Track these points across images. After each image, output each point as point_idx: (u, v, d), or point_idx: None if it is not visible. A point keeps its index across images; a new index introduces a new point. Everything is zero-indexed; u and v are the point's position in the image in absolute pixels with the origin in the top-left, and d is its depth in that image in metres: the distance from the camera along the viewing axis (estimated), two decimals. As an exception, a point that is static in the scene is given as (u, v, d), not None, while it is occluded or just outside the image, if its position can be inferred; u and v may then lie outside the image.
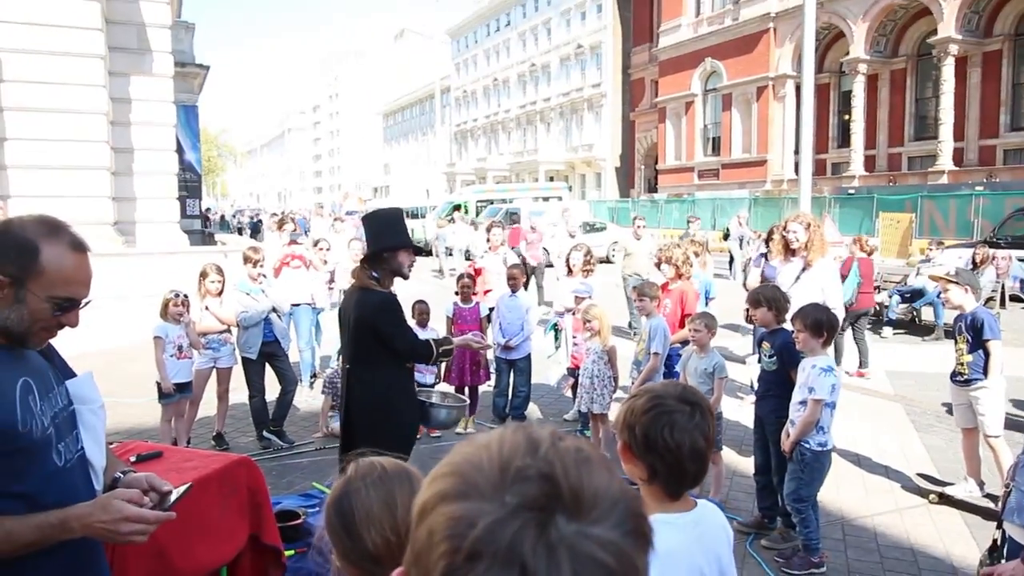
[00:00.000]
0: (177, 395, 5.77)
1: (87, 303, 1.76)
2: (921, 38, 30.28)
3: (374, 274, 3.84)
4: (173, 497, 1.85)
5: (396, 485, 1.35)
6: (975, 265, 11.37)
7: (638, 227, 12.30)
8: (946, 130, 27.72)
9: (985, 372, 4.77)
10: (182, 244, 13.52)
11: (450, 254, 20.96)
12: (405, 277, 3.98)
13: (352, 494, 1.34)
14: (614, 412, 5.98)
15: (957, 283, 4.90)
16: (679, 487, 1.61)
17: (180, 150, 16.19)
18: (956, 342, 5.01)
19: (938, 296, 10.25)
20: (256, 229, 34.94)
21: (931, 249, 12.63)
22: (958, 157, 28.34)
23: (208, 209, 45.32)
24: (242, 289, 6.22)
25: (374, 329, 3.79)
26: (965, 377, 4.89)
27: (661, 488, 1.60)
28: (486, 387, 7.10)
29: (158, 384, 5.71)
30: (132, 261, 11.24)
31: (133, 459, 2.88)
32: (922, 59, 30.83)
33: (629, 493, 0.62)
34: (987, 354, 4.77)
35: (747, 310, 5.01)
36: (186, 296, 5.89)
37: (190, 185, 19.56)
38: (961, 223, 20.64)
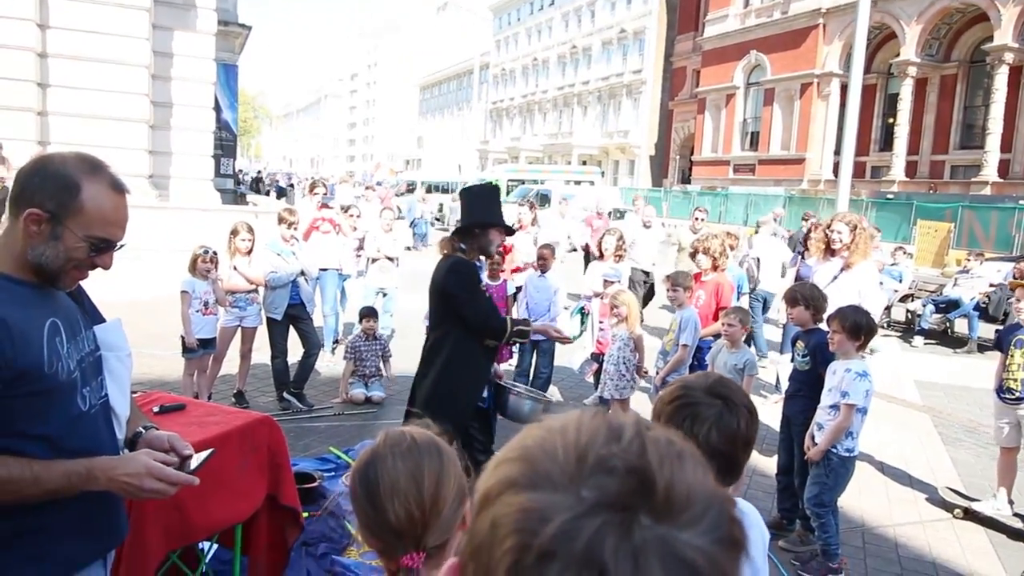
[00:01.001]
0: (200, 350, 5.80)
1: (122, 246, 1.73)
2: (976, 44, 29.44)
3: (461, 246, 3.87)
4: (195, 463, 1.82)
5: (425, 458, 1.29)
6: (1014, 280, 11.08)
7: (696, 219, 10.46)
8: (993, 140, 27.01)
9: None
10: (215, 202, 13.60)
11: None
12: (490, 256, 3.99)
13: (379, 463, 1.29)
14: (635, 401, 5.91)
15: None
16: None
17: (218, 109, 16.25)
18: (1010, 356, 4.79)
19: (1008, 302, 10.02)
20: (281, 192, 35.19)
21: (969, 260, 12.33)
22: (1003, 169, 27.62)
23: (240, 171, 45.72)
24: (273, 249, 6.22)
25: (443, 292, 3.80)
26: (1017, 394, 4.72)
27: None
28: (506, 366, 7.06)
29: (182, 338, 5.75)
30: (165, 215, 11.34)
31: (156, 410, 2.87)
32: (975, 66, 30.00)
33: (723, 494, 0.55)
34: None
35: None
36: (215, 253, 5.89)
37: (225, 144, 19.70)
38: (1002, 236, 20.17)
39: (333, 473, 4.67)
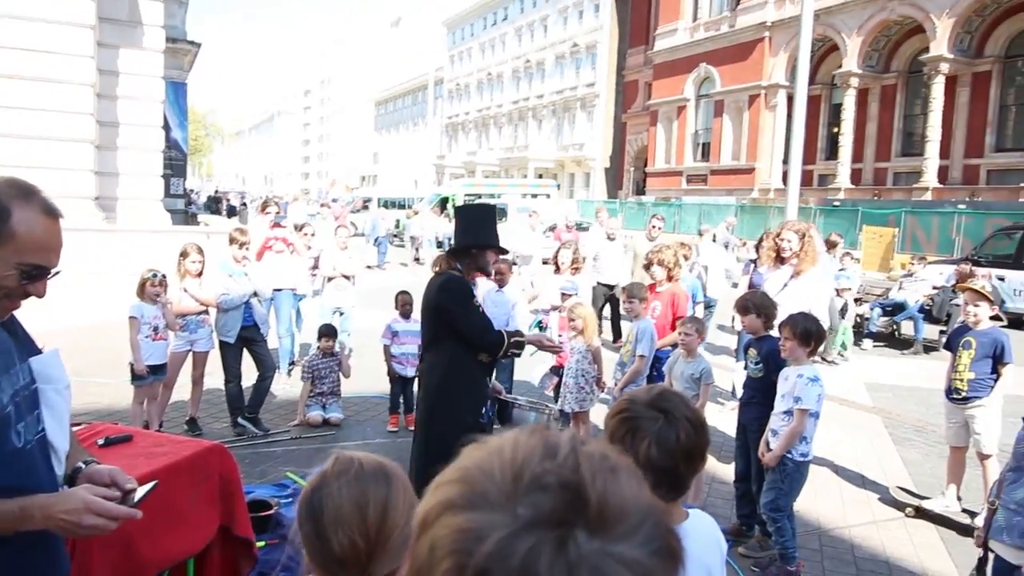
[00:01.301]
0: (150, 377, 5.66)
1: (56, 273, 1.67)
2: (913, 55, 30.51)
3: (457, 266, 3.88)
4: (138, 496, 1.76)
5: (371, 485, 1.26)
6: (957, 283, 11.45)
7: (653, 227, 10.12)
8: (932, 147, 27.98)
9: (988, 391, 4.76)
10: (164, 223, 13.32)
11: (418, 247, 22.12)
12: (488, 274, 4.00)
13: (324, 490, 1.26)
14: (596, 413, 5.94)
15: (991, 300, 4.85)
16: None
17: (167, 127, 15.95)
18: (957, 358, 4.93)
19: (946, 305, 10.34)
20: (232, 211, 34.66)
21: (913, 264, 12.71)
22: (943, 175, 28.61)
23: (191, 191, 44.91)
24: (224, 270, 6.11)
25: (438, 309, 3.79)
26: (964, 395, 4.86)
27: None
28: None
29: (131, 365, 5.60)
30: (112, 237, 11.07)
31: (101, 442, 2.79)
32: (913, 76, 31.08)
33: (659, 507, 0.55)
34: (998, 376, 4.75)
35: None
36: (164, 276, 5.77)
37: (175, 164, 19.33)
38: (943, 240, 20.86)
39: (290, 499, 4.58)
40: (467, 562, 0.49)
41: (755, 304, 4.60)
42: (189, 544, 2.67)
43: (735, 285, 10.15)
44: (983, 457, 4.85)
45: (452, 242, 4.01)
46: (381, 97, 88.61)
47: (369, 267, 19.49)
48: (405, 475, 1.33)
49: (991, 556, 2.62)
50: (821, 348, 7.43)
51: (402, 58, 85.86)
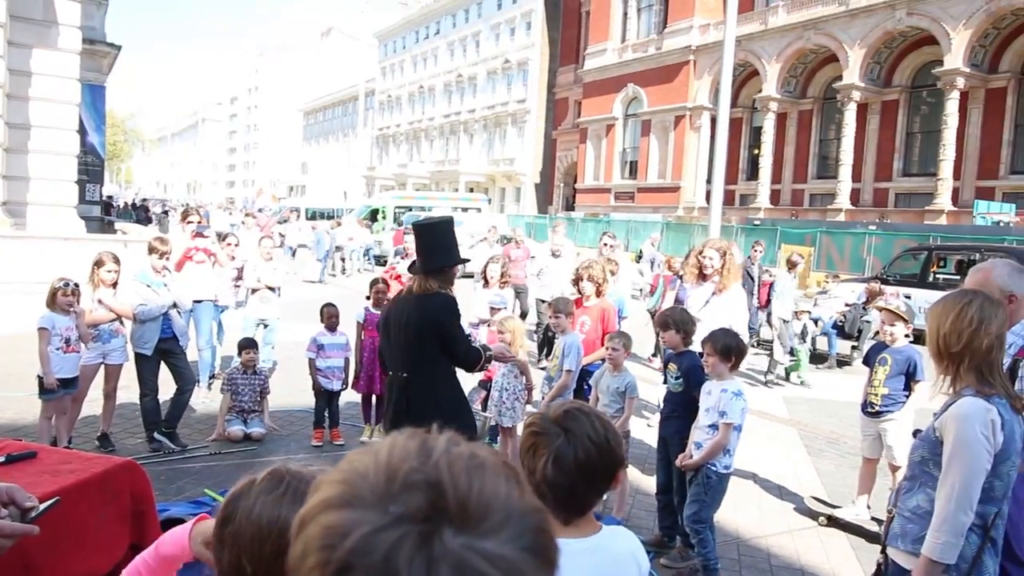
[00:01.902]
0: (60, 391, 5.38)
1: None
2: (828, 83, 32.06)
3: (438, 283, 3.86)
4: (35, 512, 1.67)
5: (288, 509, 1.14)
6: (867, 300, 12.01)
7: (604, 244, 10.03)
8: (845, 171, 29.41)
9: (901, 406, 5.01)
10: (78, 230, 12.74)
11: (343, 258, 22.12)
12: (451, 285, 3.96)
13: (240, 502, 1.19)
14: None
15: (906, 320, 5.14)
16: (555, 513, 1.51)
17: (83, 131, 15.26)
18: (873, 373, 5.17)
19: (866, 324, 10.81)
20: (147, 220, 33.31)
21: (828, 282, 13.28)
22: (855, 197, 30.08)
23: (111, 197, 43.04)
24: (142, 280, 5.88)
25: (439, 330, 3.74)
26: (876, 409, 5.10)
27: (550, 513, 1.54)
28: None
29: (40, 378, 5.32)
30: (21, 245, 10.52)
31: (2, 459, 2.64)
32: (827, 102, 32.66)
33: (531, 506, 0.56)
34: (911, 392, 5.01)
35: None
36: (77, 285, 5.52)
37: (91, 169, 18.50)
38: (855, 259, 21.86)
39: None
40: (331, 557, 0.50)
41: (674, 320, 4.72)
42: (96, 564, 2.55)
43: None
44: (894, 468, 5.09)
45: (419, 259, 3.88)
46: (310, 107, 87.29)
47: (311, 282, 19.09)
48: None
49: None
50: (775, 366, 7.71)
51: (332, 68, 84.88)
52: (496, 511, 0.53)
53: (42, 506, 1.71)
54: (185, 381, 6.07)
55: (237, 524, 1.17)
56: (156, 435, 5.92)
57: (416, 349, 3.78)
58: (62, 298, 5.38)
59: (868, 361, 5.39)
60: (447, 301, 3.79)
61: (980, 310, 2.39)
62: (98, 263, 5.82)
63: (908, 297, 13.07)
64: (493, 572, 0.50)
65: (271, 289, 8.25)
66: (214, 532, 1.22)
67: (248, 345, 6.70)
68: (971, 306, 2.41)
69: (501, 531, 0.52)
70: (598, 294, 6.28)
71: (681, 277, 7.42)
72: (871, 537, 4.89)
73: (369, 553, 0.49)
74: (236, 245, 8.76)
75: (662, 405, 5.22)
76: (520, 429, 5.80)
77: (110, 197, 39.46)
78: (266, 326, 8.24)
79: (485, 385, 6.48)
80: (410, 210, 29.31)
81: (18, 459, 2.66)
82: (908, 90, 30.09)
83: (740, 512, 5.27)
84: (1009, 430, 2.33)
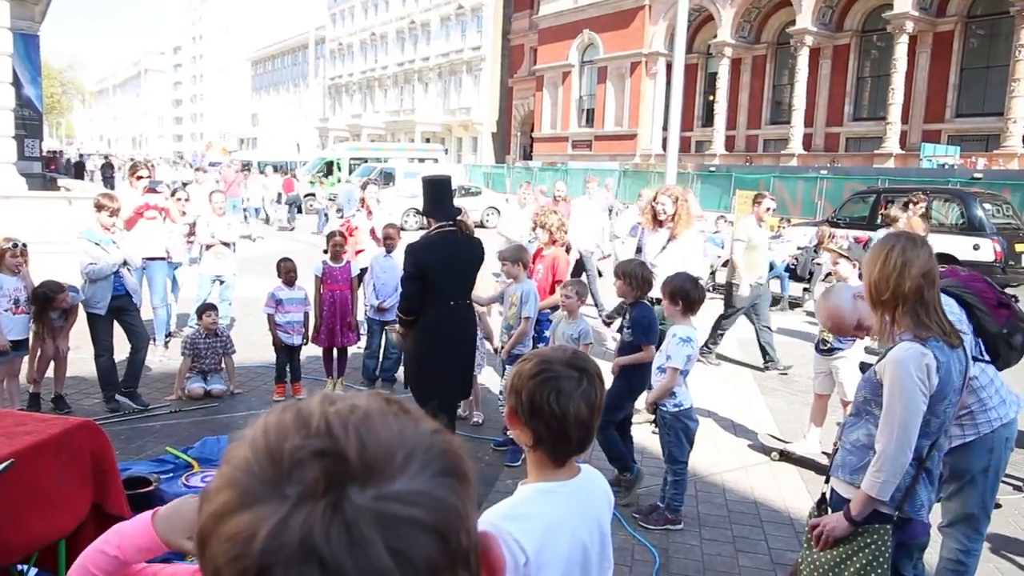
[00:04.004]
0: (11, 353, 5.27)
1: None
2: (781, 27, 32.12)
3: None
4: None
5: None
6: (818, 244, 12.29)
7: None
8: (798, 116, 29.70)
9: (851, 344, 5.21)
10: (19, 188, 12.26)
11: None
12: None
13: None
14: (484, 375, 6.02)
15: (848, 258, 5.39)
16: (564, 454, 1.59)
17: (17, 84, 14.57)
18: None
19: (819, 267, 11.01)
20: (80, 174, 31.72)
21: (781, 227, 13.52)
22: (807, 142, 30.46)
23: (59, 152, 41.40)
24: (90, 238, 5.71)
25: (480, 265, 4.73)
26: (829, 346, 5.31)
27: (546, 454, 1.58)
28: (356, 349, 6.96)
29: (-12, 341, 5.19)
30: (-44, 205, 10.09)
31: (-46, 423, 2.60)
32: (781, 47, 32.75)
33: (427, 433, 0.55)
34: None
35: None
36: (25, 245, 5.37)
37: (29, 124, 17.73)
38: (807, 203, 22.25)
39: (171, 474, 4.42)
40: (245, 566, 0.47)
41: (624, 271, 4.77)
42: (58, 525, 2.54)
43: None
44: (845, 404, 5.30)
45: (448, 207, 4.58)
46: (258, 56, 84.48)
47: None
48: None
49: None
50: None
51: (279, 15, 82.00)
52: (395, 451, 0.51)
53: None
54: (139, 339, 5.97)
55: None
56: (117, 396, 5.84)
57: (472, 280, 4.70)
58: (10, 259, 5.24)
59: None
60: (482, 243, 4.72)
61: (902, 253, 2.43)
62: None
63: (857, 240, 13.41)
64: (414, 510, 0.49)
65: (225, 244, 8.10)
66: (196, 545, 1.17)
67: (208, 308, 6.61)
68: (893, 251, 2.44)
69: (407, 468, 0.51)
70: (552, 242, 6.32)
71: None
72: (821, 470, 5.09)
73: (283, 546, 0.46)
74: (187, 200, 8.55)
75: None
76: (483, 376, 5.88)
77: (54, 152, 37.90)
78: (222, 282, 8.11)
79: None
80: (365, 161, 28.86)
81: (-29, 422, 2.62)
82: (859, 34, 30.32)
83: (696, 450, 5.40)
84: (945, 371, 2.41)
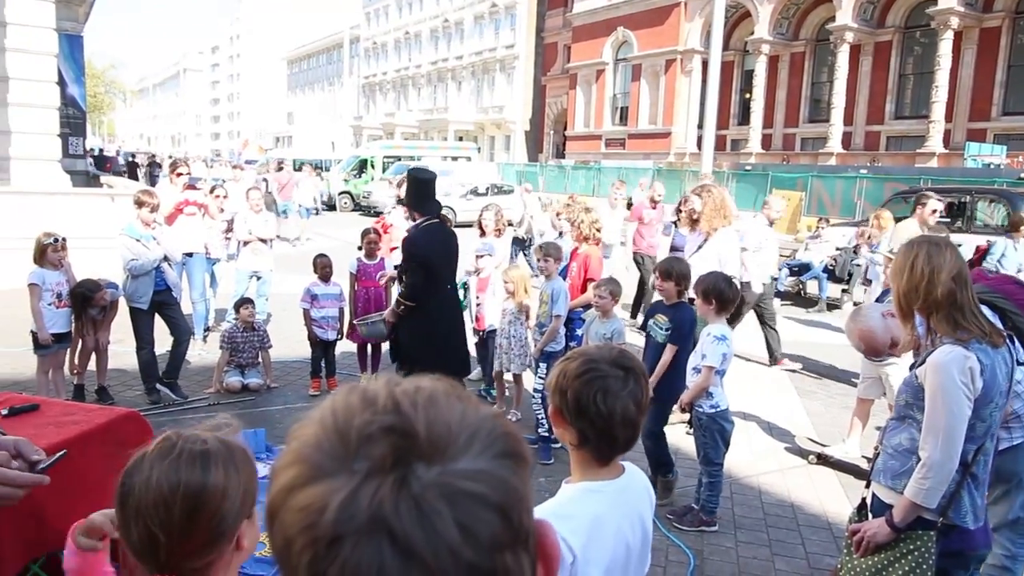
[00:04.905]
0: (55, 346, 5.40)
1: None
2: (820, 24, 31.57)
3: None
4: (44, 464, 1.70)
5: (184, 471, 1.13)
6: (858, 244, 12.06)
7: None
8: (837, 114, 29.17)
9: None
10: (63, 184, 12.57)
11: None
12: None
13: (136, 476, 1.15)
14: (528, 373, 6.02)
15: None
16: (610, 453, 1.58)
17: (62, 83, 14.92)
18: None
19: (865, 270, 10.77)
20: (133, 173, 32.66)
21: (820, 227, 13.31)
22: (847, 141, 29.92)
23: (101, 150, 42.36)
24: (131, 235, 5.83)
25: None
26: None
27: (591, 454, 1.57)
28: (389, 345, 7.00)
29: (33, 334, 5.33)
30: (5, 199, 10.38)
31: (5, 412, 2.67)
32: (820, 44, 32.20)
33: (488, 416, 0.57)
34: None
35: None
36: (64, 240, 5.50)
37: (73, 122, 18.13)
38: (846, 203, 21.84)
39: (210, 465, 4.49)
40: (317, 535, 0.49)
41: (678, 272, 4.66)
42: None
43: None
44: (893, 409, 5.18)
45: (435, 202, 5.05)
46: (294, 55, 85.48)
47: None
48: (244, 456, 1.22)
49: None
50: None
51: (315, 15, 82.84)
52: (458, 432, 0.53)
53: (50, 459, 1.74)
54: (181, 332, 6.10)
55: (138, 497, 1.13)
56: (158, 386, 5.97)
57: (456, 268, 5.23)
58: (52, 254, 5.36)
59: None
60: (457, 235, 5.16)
61: (927, 260, 2.35)
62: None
63: (898, 240, 13.13)
64: (479, 487, 0.50)
65: (263, 241, 8.21)
66: (117, 513, 1.18)
67: (245, 302, 6.73)
68: (918, 259, 2.36)
69: (470, 448, 0.52)
70: (584, 239, 6.24)
71: (676, 223, 7.41)
72: (860, 475, 5.00)
73: (354, 517, 0.48)
74: (225, 197, 8.68)
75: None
76: (528, 376, 5.87)
77: (92, 149, 38.74)
78: (259, 278, 8.23)
79: (477, 333, 6.51)
80: (399, 160, 29.03)
81: (21, 411, 2.69)
82: (902, 31, 29.68)
83: (732, 451, 5.34)
84: (990, 373, 2.32)
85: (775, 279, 7.67)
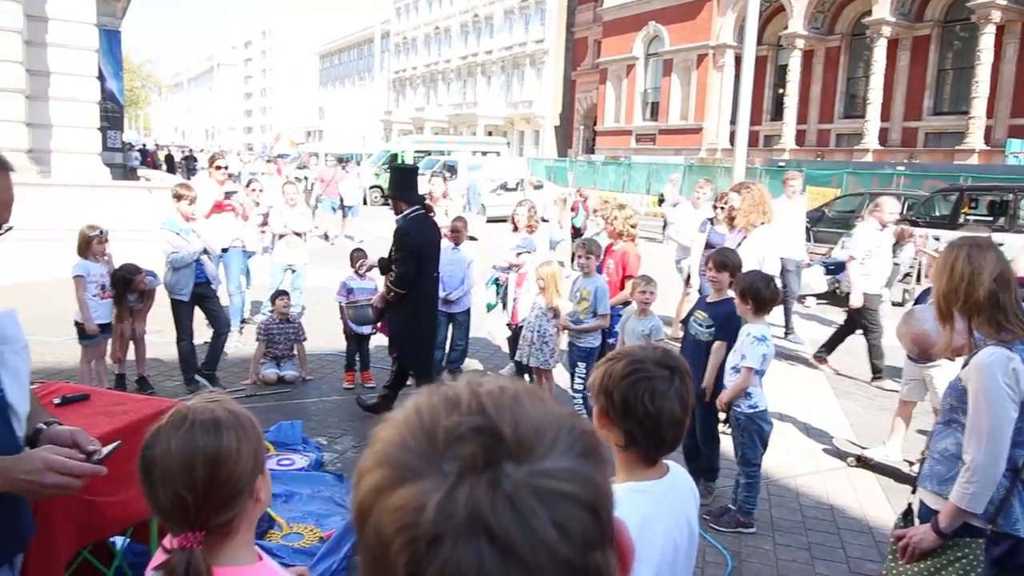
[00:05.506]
0: (100, 336, 5.51)
1: (9, 228, 1.60)
2: (857, 18, 30.97)
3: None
4: (101, 455, 1.73)
5: (200, 438, 1.27)
6: (896, 242, 11.83)
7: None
8: (873, 110, 28.61)
9: None
10: (103, 177, 12.80)
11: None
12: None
13: (156, 445, 1.29)
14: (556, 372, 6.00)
15: None
16: (656, 454, 1.57)
17: (101, 78, 15.18)
18: None
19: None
20: (171, 167, 33.39)
21: (855, 223, 13.08)
22: (883, 137, 29.35)
23: (142, 144, 43.15)
24: (172, 228, 5.91)
25: None
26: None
27: (638, 454, 1.56)
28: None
29: (78, 324, 5.43)
30: (47, 192, 10.59)
31: (57, 401, 2.71)
32: (856, 39, 31.59)
33: (567, 416, 0.58)
34: None
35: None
36: (107, 232, 5.60)
37: (112, 116, 18.45)
38: (882, 201, 21.45)
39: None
40: (417, 535, 0.49)
41: (733, 263, 4.56)
42: (153, 503, 2.63)
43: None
44: (938, 412, 5.07)
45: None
46: (325, 50, 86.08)
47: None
48: (249, 420, 1.35)
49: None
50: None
51: (346, 10, 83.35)
52: (544, 432, 0.54)
53: (105, 449, 1.77)
54: (221, 324, 6.20)
55: (162, 465, 1.26)
56: (197, 376, 6.06)
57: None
58: (96, 246, 5.46)
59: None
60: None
61: (968, 261, 2.32)
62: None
63: (937, 239, 12.88)
64: (567, 486, 0.51)
65: (297, 234, 8.28)
66: (142, 484, 1.30)
67: (280, 294, 6.82)
68: (959, 260, 2.33)
69: (555, 448, 0.53)
70: (620, 236, 6.21)
71: (712, 220, 7.31)
72: (901, 478, 4.92)
73: (452, 516, 0.49)
74: (261, 191, 8.77)
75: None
76: (562, 375, 5.86)
77: (128, 144, 39.44)
78: (294, 271, 8.30)
79: (512, 327, 6.52)
80: (429, 154, 29.13)
81: (72, 400, 2.74)
82: (941, 24, 29.02)
83: (769, 452, 5.28)
84: None
85: (888, 288, 7.06)
